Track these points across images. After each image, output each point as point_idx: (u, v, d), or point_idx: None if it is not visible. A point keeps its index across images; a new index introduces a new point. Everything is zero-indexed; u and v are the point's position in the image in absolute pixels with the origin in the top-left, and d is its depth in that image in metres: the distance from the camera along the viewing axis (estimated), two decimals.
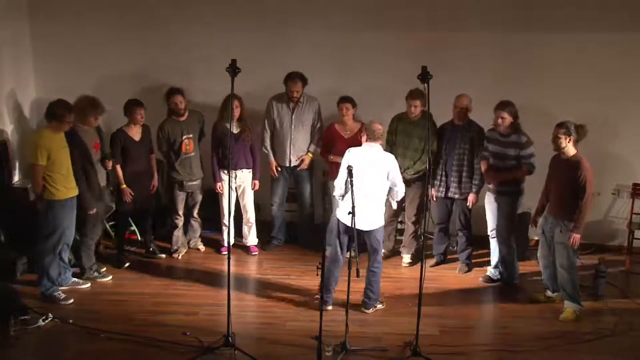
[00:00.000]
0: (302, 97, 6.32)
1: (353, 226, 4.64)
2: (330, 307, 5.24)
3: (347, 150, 5.14)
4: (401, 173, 6.07)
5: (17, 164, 6.38)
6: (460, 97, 5.89)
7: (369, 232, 5.10)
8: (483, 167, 5.84)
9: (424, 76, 4.31)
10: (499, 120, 5.58)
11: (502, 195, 5.73)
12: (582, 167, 5.02)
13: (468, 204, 6.02)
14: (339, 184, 5.08)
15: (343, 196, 5.06)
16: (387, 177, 5.07)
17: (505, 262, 5.89)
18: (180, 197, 6.33)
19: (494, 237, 5.96)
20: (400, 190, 5.17)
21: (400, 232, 6.67)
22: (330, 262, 5.18)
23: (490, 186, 5.83)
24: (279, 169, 6.47)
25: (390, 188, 5.13)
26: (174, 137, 6.15)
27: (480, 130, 5.95)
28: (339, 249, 5.19)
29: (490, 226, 5.96)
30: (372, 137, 5.09)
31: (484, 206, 5.99)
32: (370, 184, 4.97)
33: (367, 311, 5.30)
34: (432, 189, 6.13)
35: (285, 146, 6.37)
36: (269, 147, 6.46)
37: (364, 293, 5.30)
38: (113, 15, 6.71)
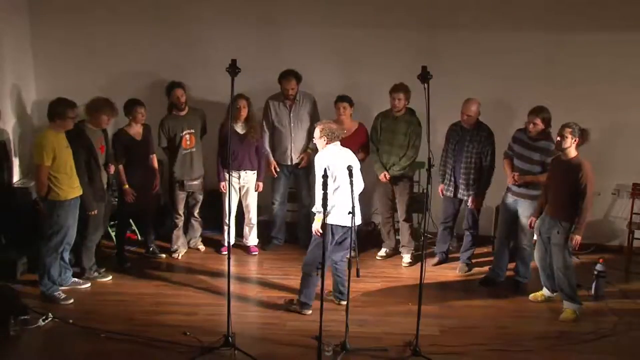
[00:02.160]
0: (298, 94, 6.32)
1: (353, 225, 4.64)
2: (310, 312, 5.21)
3: (316, 159, 4.98)
4: (386, 170, 6.11)
5: (17, 164, 6.38)
6: (468, 104, 5.84)
7: (351, 228, 4.93)
8: (507, 165, 5.80)
9: (424, 76, 4.31)
10: (530, 126, 5.51)
11: (523, 198, 5.64)
12: (583, 168, 5.02)
13: (469, 204, 6.03)
14: (325, 196, 4.74)
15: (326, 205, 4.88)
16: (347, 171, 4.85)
17: (523, 260, 5.84)
18: (181, 197, 6.33)
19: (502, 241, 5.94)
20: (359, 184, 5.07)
21: (397, 231, 6.70)
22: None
23: (513, 187, 5.70)
24: (278, 169, 6.48)
25: None
26: (174, 132, 6.14)
27: (489, 132, 5.94)
28: (328, 250, 5.07)
29: (500, 231, 5.93)
30: (332, 138, 4.99)
31: (491, 207, 5.96)
32: (351, 179, 4.73)
33: (344, 302, 5.14)
34: (440, 185, 6.13)
35: (287, 145, 6.37)
36: (268, 149, 6.45)
37: (343, 286, 5.27)
38: (113, 15, 6.71)
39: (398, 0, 6.64)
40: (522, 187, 5.63)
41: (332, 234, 5.05)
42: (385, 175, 6.16)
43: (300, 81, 6.28)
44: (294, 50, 6.71)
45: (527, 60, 6.63)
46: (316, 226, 5.01)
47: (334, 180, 4.88)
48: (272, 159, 6.46)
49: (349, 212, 4.58)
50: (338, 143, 5.06)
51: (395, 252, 6.56)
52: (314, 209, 5.06)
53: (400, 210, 6.36)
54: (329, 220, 4.93)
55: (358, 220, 4.85)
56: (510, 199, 5.76)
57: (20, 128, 6.44)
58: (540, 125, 5.48)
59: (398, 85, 5.96)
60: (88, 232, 5.67)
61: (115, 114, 5.69)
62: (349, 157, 5.02)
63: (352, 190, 4.61)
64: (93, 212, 5.56)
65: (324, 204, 4.34)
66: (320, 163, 4.93)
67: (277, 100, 6.38)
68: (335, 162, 4.90)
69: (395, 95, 6.00)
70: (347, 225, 4.89)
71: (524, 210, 5.66)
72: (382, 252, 6.54)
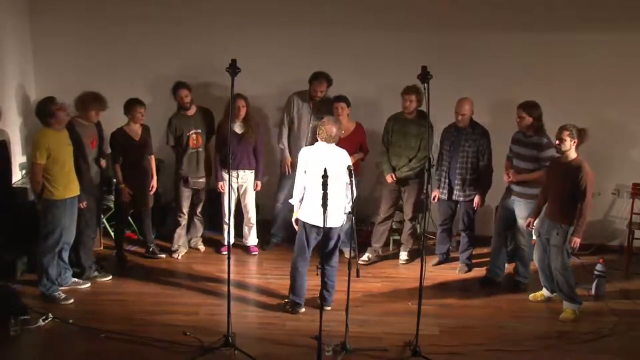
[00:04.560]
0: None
1: (353, 226, 4.64)
2: (303, 310, 5.24)
3: (300, 152, 5.13)
4: (395, 171, 6.11)
5: (17, 164, 6.38)
6: (461, 103, 5.87)
7: (334, 229, 5.06)
8: (505, 166, 5.82)
9: (424, 76, 4.31)
10: (518, 119, 5.54)
11: (521, 198, 5.65)
12: (583, 171, 5.02)
13: (474, 205, 6.04)
14: (298, 188, 5.10)
15: (301, 200, 5.11)
16: (348, 172, 4.91)
17: (523, 260, 5.86)
18: (186, 195, 6.33)
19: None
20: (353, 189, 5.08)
21: (395, 232, 6.71)
22: (301, 265, 5.19)
23: (512, 187, 5.70)
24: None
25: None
26: (181, 131, 6.16)
27: (484, 132, 5.95)
28: (307, 249, 5.17)
29: (497, 229, 5.94)
30: (324, 138, 5.04)
31: (491, 207, 5.97)
32: (332, 180, 4.80)
33: (329, 308, 5.21)
34: (436, 190, 6.14)
35: (302, 145, 6.32)
36: (285, 144, 6.40)
37: (327, 291, 5.16)
38: (114, 14, 6.70)
39: (399, 2, 6.63)
40: (520, 187, 5.64)
41: (306, 231, 5.10)
42: (391, 176, 6.14)
43: (331, 85, 6.28)
44: (295, 50, 6.71)
45: (528, 61, 6.63)
46: (294, 218, 5.21)
47: (306, 174, 5.02)
48: (288, 155, 6.42)
49: (349, 213, 4.59)
50: (333, 145, 5.08)
51: (379, 259, 6.52)
52: (290, 200, 5.24)
53: (407, 210, 6.36)
54: (301, 217, 5.11)
55: (339, 222, 5.01)
56: (508, 198, 5.77)
57: (20, 128, 6.44)
58: (528, 119, 5.49)
59: (410, 87, 5.93)
60: (82, 228, 5.66)
61: (104, 107, 5.63)
62: (336, 159, 5.00)
63: (352, 191, 4.62)
64: (83, 204, 5.52)
65: (324, 204, 4.34)
66: (300, 155, 5.10)
67: (301, 99, 6.37)
68: (314, 158, 5.00)
69: (406, 97, 5.99)
70: (317, 224, 5.00)
71: (521, 211, 5.67)
72: (365, 257, 6.45)
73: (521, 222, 5.69)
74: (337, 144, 6.07)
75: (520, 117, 5.52)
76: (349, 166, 4.66)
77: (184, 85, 6.12)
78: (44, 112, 5.13)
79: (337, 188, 4.93)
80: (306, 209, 5.08)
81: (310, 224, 5.08)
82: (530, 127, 5.52)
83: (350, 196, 5.01)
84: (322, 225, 4.89)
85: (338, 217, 5.01)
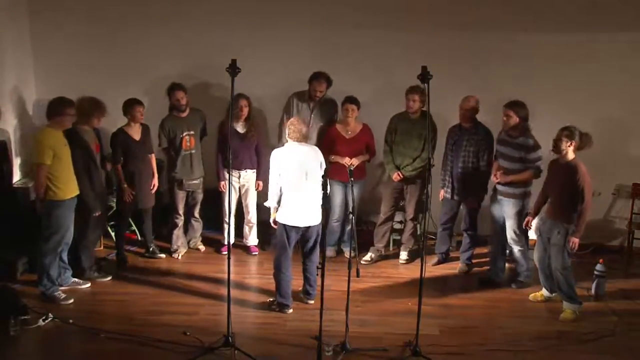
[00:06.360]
0: (323, 97, 6.32)
1: (353, 226, 4.65)
2: (290, 310, 5.27)
3: (272, 155, 5.14)
4: (399, 170, 6.11)
5: (17, 164, 6.38)
6: (466, 99, 5.88)
7: (313, 227, 5.14)
8: (494, 167, 5.83)
9: (424, 76, 4.31)
10: (504, 118, 5.54)
11: (507, 197, 5.68)
12: (579, 172, 5.03)
13: (469, 207, 6.04)
14: (274, 191, 5.11)
15: (278, 201, 5.14)
16: (320, 167, 5.10)
17: (518, 259, 5.87)
18: (180, 196, 6.33)
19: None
20: None
21: (396, 232, 6.71)
22: (284, 267, 5.22)
23: (498, 186, 5.74)
24: None
25: None
26: (174, 133, 6.14)
27: (487, 133, 5.94)
28: (288, 249, 5.20)
29: (492, 230, 5.95)
30: (296, 138, 5.09)
31: (488, 207, 5.99)
32: (304, 179, 5.01)
33: (312, 302, 5.35)
34: (441, 190, 6.15)
35: None
36: None
37: (310, 285, 5.35)
38: (113, 14, 6.70)
39: (399, 2, 6.62)
40: (505, 186, 5.66)
41: (286, 232, 5.13)
42: (398, 174, 6.13)
43: (331, 85, 6.28)
44: (295, 50, 6.71)
45: (529, 61, 6.62)
46: (271, 219, 5.23)
47: (280, 176, 5.05)
48: None
49: (349, 212, 4.60)
50: (304, 143, 5.13)
51: (380, 258, 6.53)
52: (265, 203, 5.25)
53: (409, 210, 6.36)
54: (280, 219, 5.14)
55: (317, 220, 5.07)
56: (496, 197, 5.79)
57: (20, 128, 6.44)
58: (514, 118, 5.49)
59: (414, 87, 5.91)
60: (88, 233, 5.67)
61: (105, 112, 5.63)
62: (309, 157, 5.08)
63: (352, 191, 4.64)
64: (98, 213, 5.56)
65: (324, 203, 4.35)
66: (272, 157, 5.12)
67: (301, 99, 6.37)
68: (287, 159, 5.05)
69: (410, 96, 5.97)
70: (296, 225, 5.08)
71: (508, 210, 5.69)
72: (368, 257, 6.46)
73: (509, 221, 5.70)
74: (343, 145, 6.12)
75: (507, 116, 5.51)
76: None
77: (180, 86, 6.10)
78: (56, 109, 5.12)
79: (313, 186, 5.02)
80: (284, 210, 5.10)
81: (290, 225, 5.11)
82: (515, 127, 5.52)
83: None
84: (302, 226, 5.07)
85: (316, 215, 5.08)
